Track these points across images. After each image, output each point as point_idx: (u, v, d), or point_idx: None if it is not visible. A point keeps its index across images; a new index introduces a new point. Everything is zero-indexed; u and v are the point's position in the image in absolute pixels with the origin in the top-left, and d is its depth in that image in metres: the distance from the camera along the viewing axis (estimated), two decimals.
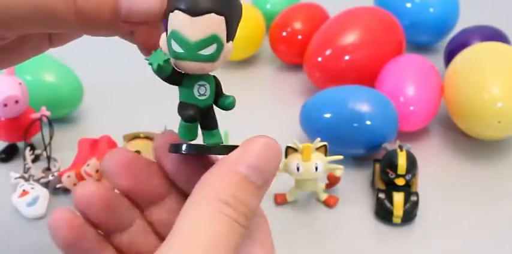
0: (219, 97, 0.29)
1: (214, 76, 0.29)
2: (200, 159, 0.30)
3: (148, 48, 0.31)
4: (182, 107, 0.28)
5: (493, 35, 0.64)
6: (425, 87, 0.57)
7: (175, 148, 0.28)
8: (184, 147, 0.28)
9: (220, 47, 0.27)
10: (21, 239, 0.48)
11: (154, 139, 0.33)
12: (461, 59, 0.58)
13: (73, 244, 0.28)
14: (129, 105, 0.64)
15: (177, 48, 0.26)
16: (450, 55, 0.63)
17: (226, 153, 0.28)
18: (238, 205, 0.26)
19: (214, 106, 0.29)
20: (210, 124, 0.29)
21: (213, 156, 0.30)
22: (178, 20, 0.26)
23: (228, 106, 0.29)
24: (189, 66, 0.27)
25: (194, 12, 0.26)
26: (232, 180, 0.26)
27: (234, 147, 0.28)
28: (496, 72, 0.54)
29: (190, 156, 0.30)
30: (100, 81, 0.66)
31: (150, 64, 0.26)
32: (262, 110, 0.63)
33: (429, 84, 0.57)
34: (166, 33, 0.27)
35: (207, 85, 0.28)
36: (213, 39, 0.27)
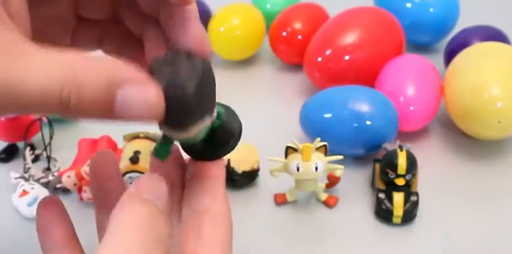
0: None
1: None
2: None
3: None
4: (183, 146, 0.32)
5: (493, 35, 0.64)
6: (425, 87, 0.57)
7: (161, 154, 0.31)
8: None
9: (207, 128, 0.30)
10: (21, 239, 0.48)
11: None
12: (461, 59, 0.58)
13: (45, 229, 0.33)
14: None
15: (171, 137, 0.29)
16: (450, 55, 0.63)
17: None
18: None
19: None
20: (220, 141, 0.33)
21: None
22: (167, 131, 0.28)
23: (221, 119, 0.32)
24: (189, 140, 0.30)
25: (179, 127, 0.27)
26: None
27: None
28: (496, 72, 0.54)
29: None
30: None
31: (156, 157, 0.30)
32: (262, 110, 0.63)
33: (429, 84, 0.57)
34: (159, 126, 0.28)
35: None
36: (202, 130, 0.29)
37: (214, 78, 0.30)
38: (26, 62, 0.24)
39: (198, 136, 0.30)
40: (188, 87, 0.26)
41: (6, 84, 0.23)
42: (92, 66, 0.25)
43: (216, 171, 0.32)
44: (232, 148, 0.33)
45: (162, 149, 0.30)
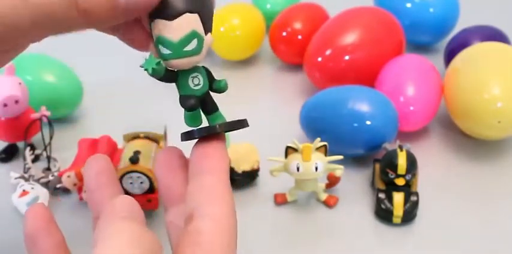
0: (213, 83, 0.33)
1: (203, 67, 0.32)
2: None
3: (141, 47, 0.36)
4: (182, 99, 0.32)
5: (493, 35, 0.64)
6: (425, 87, 0.57)
7: (186, 135, 0.32)
8: (195, 131, 0.32)
9: (201, 41, 0.31)
10: (21, 239, 0.48)
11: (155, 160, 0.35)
12: (461, 59, 0.58)
13: (34, 237, 0.33)
14: (129, 105, 0.64)
15: (165, 51, 0.31)
16: (450, 55, 0.63)
17: (233, 129, 0.33)
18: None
19: (211, 92, 0.33)
20: (210, 108, 0.33)
21: None
22: (159, 27, 0.30)
23: (222, 89, 0.33)
24: (179, 63, 0.31)
25: (170, 16, 0.30)
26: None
27: (238, 123, 0.33)
28: (496, 72, 0.54)
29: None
30: (100, 81, 0.66)
31: (146, 69, 0.30)
32: (262, 110, 0.63)
33: (429, 84, 0.57)
34: (153, 41, 0.31)
35: (199, 76, 0.32)
36: (192, 35, 0.30)
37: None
38: None
39: (195, 81, 0.32)
40: None
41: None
42: None
43: (214, 165, 0.31)
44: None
45: (150, 61, 0.30)
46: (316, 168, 0.48)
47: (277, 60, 0.70)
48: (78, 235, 0.49)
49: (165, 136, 0.52)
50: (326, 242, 0.48)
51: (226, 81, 0.33)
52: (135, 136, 0.51)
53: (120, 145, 0.52)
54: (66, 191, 0.52)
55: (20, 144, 0.57)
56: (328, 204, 0.51)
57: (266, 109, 0.64)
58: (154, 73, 0.30)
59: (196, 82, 0.32)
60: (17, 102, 0.53)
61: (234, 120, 0.33)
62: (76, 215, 0.51)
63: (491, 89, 0.53)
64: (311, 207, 0.51)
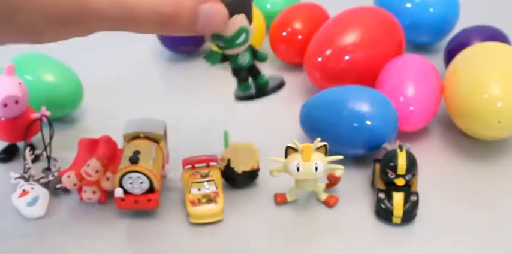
0: (257, 55, 0.44)
1: (250, 45, 0.43)
2: None
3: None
4: (235, 71, 0.44)
5: (493, 35, 0.64)
6: (425, 87, 0.57)
7: (246, 98, 0.45)
8: (253, 95, 0.45)
9: (247, 33, 0.41)
10: (21, 239, 0.48)
11: None
12: (461, 59, 0.58)
13: None
14: (129, 105, 0.64)
15: (221, 44, 0.41)
16: (450, 55, 0.63)
17: (280, 87, 0.47)
18: None
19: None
20: (256, 73, 0.45)
21: None
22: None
23: (264, 60, 0.45)
24: (233, 52, 0.42)
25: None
26: None
27: (280, 85, 0.47)
28: (496, 72, 0.54)
29: None
30: (100, 81, 0.66)
31: (206, 61, 0.42)
32: (262, 110, 0.63)
33: (429, 84, 0.57)
34: (210, 37, 0.40)
35: (246, 54, 0.43)
36: (241, 31, 0.40)
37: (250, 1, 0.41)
38: None
39: (239, 49, 0.42)
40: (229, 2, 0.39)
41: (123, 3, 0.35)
42: None
43: None
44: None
45: (212, 55, 0.42)
46: (316, 168, 0.48)
47: (277, 60, 0.70)
48: (78, 235, 0.49)
49: (165, 136, 0.52)
50: (326, 242, 0.48)
51: (267, 54, 0.45)
52: (135, 136, 0.51)
53: (120, 145, 0.52)
54: (66, 191, 0.52)
55: (20, 144, 0.57)
56: (328, 204, 0.51)
57: (266, 109, 0.64)
58: (213, 65, 0.42)
59: (244, 59, 0.43)
60: (17, 102, 0.53)
61: (275, 82, 0.47)
62: (76, 215, 0.51)
63: (491, 89, 0.53)
64: (311, 207, 0.51)
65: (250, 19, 0.40)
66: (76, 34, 0.37)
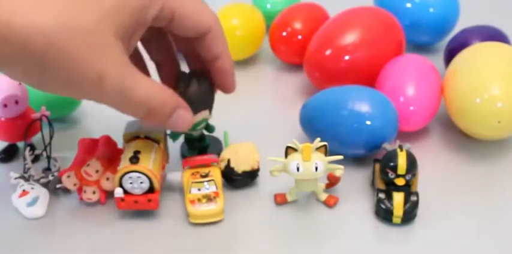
0: (207, 128, 0.54)
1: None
2: None
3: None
4: (188, 141, 0.55)
5: (493, 35, 0.64)
6: (425, 87, 0.57)
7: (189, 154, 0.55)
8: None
9: (206, 121, 0.51)
10: (21, 239, 0.48)
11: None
12: (461, 59, 0.58)
13: None
14: None
15: None
16: (450, 55, 0.63)
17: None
18: None
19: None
20: (202, 139, 0.55)
21: None
22: None
23: (212, 131, 0.54)
24: (192, 132, 0.53)
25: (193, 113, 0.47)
26: None
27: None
28: (496, 72, 0.54)
29: None
30: None
31: (171, 138, 0.53)
32: (262, 110, 0.63)
33: (429, 84, 0.57)
34: None
35: (201, 131, 0.53)
36: (203, 121, 0.50)
37: (212, 90, 0.50)
38: (136, 78, 0.41)
39: (197, 132, 0.53)
40: (194, 98, 0.48)
41: (121, 84, 0.40)
42: (168, 95, 0.44)
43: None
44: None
45: (175, 134, 0.53)
46: (316, 168, 0.48)
47: (277, 60, 0.70)
48: (78, 235, 0.49)
49: (165, 136, 0.52)
50: (326, 242, 0.48)
51: (214, 126, 0.54)
52: (135, 136, 0.51)
53: (120, 145, 0.52)
54: (66, 191, 0.52)
55: (20, 144, 0.57)
56: (328, 204, 0.51)
57: (266, 109, 0.64)
58: (175, 140, 0.53)
59: (198, 133, 0.53)
60: (17, 102, 0.53)
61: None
62: (76, 215, 0.51)
63: (491, 89, 0.53)
64: (311, 207, 0.51)
65: (211, 110, 0.51)
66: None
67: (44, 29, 0.36)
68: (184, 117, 0.45)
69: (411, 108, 0.55)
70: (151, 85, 0.42)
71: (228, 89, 0.50)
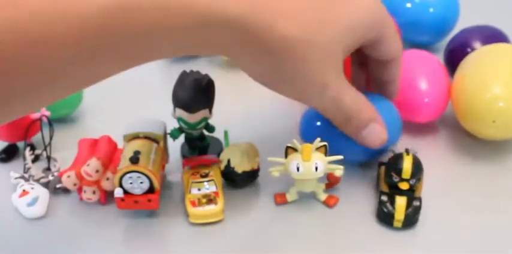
0: (207, 128, 0.53)
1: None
2: None
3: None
4: (188, 141, 0.54)
5: (493, 35, 0.64)
6: (436, 79, 0.56)
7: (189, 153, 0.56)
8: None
9: (206, 120, 0.51)
10: (21, 239, 0.48)
11: None
12: (469, 61, 0.57)
13: None
14: (129, 105, 0.64)
15: (183, 125, 0.51)
16: (450, 55, 0.63)
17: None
18: None
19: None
20: (202, 138, 0.55)
21: None
22: (180, 113, 0.50)
23: (212, 131, 0.53)
24: (192, 132, 0.52)
25: (190, 111, 0.49)
26: None
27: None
28: (500, 72, 0.53)
29: None
30: (100, 81, 0.65)
31: (171, 137, 0.53)
32: (262, 110, 0.63)
33: (438, 76, 0.57)
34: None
35: (201, 130, 0.53)
36: (203, 119, 0.51)
37: (212, 90, 0.50)
38: (346, 88, 0.46)
39: (197, 132, 0.53)
40: (194, 97, 0.49)
41: (337, 95, 0.46)
42: (367, 107, 0.47)
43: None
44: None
45: (175, 132, 0.52)
46: (316, 168, 0.47)
47: None
48: (78, 235, 0.49)
49: (165, 136, 0.52)
50: (326, 242, 0.48)
51: (214, 126, 0.53)
52: (135, 136, 0.51)
53: (120, 145, 0.52)
54: (66, 191, 0.52)
55: (20, 144, 0.57)
56: (328, 204, 0.51)
57: (266, 109, 0.64)
58: (175, 139, 0.53)
59: (198, 133, 0.53)
60: None
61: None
62: (76, 215, 0.51)
63: (495, 89, 0.52)
64: (311, 207, 0.51)
65: (211, 110, 0.50)
66: None
67: (289, 38, 0.41)
68: (379, 132, 0.47)
69: (425, 100, 0.56)
70: (356, 96, 0.46)
71: (391, 97, 0.53)
